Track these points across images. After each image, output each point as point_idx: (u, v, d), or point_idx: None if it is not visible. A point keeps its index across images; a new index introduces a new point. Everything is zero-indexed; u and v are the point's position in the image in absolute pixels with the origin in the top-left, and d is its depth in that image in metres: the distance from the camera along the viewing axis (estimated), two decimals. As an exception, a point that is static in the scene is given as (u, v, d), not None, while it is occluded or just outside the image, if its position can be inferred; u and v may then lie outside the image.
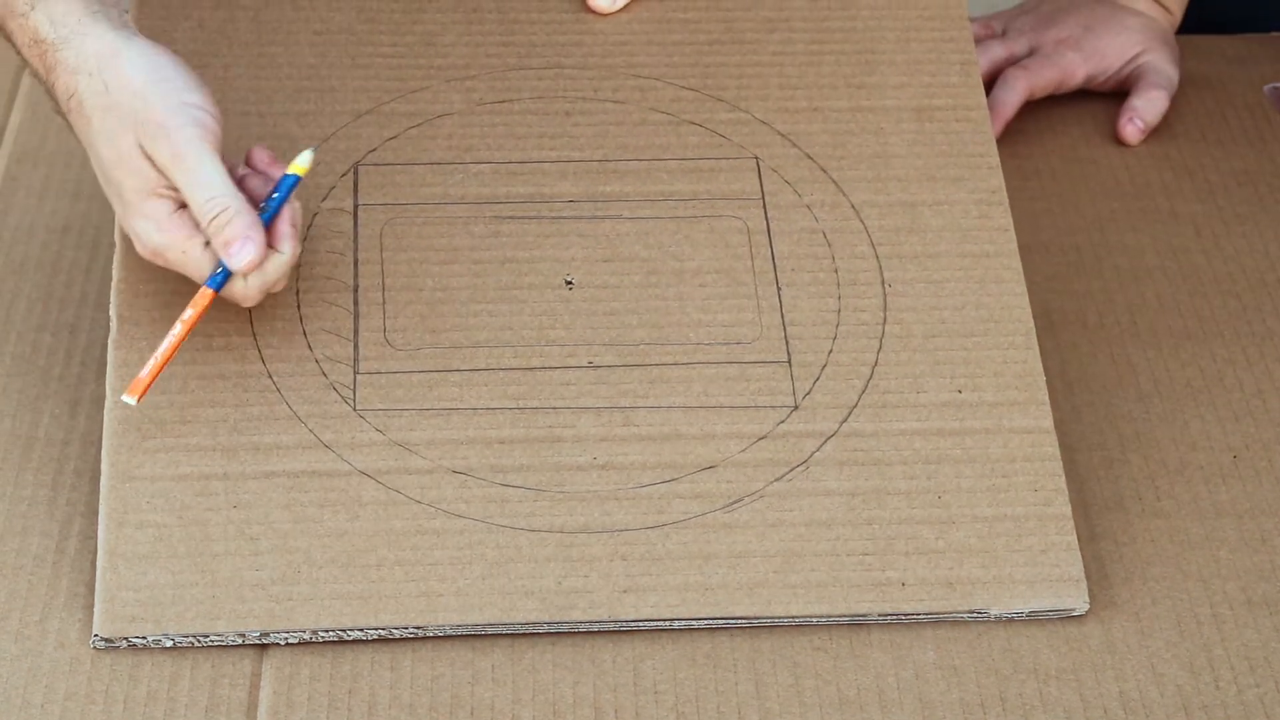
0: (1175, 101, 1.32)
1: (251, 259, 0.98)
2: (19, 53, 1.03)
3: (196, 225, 0.99)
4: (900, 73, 1.18)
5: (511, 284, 1.08)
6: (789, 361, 1.07)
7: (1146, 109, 1.29)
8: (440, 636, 0.99)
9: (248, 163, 1.04)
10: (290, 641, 0.98)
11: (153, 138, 0.98)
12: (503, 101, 1.15)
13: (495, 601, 0.99)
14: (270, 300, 1.06)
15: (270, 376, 1.04)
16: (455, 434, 1.03)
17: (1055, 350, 1.15)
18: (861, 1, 1.21)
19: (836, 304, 1.09)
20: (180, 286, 1.06)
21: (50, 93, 1.01)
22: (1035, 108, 1.31)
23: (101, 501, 1.00)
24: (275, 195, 1.01)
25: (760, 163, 1.14)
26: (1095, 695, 0.98)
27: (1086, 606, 1.01)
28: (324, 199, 1.10)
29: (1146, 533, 1.06)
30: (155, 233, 0.99)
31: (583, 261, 1.09)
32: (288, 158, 1.11)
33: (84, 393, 1.09)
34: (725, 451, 1.04)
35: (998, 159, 1.15)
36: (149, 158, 0.98)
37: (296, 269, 1.07)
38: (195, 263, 1.00)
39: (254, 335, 1.05)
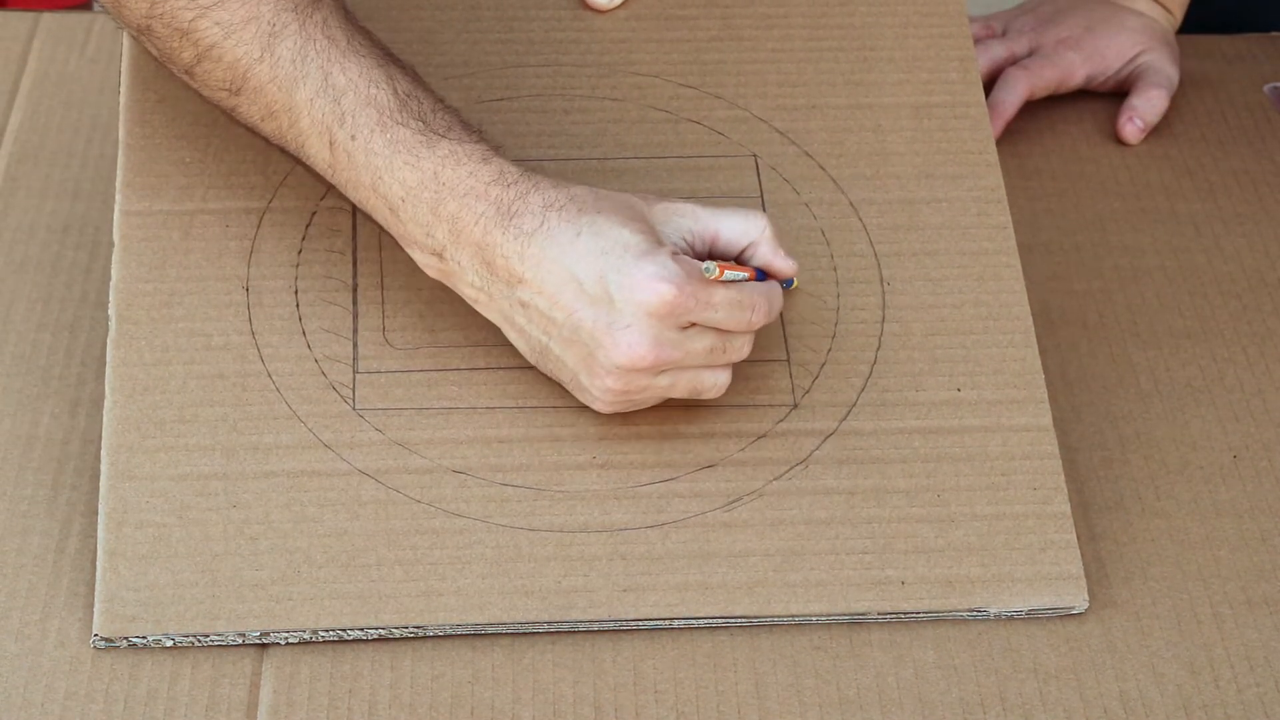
0: (1175, 101, 1.32)
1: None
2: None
3: None
4: (899, 70, 1.18)
5: None
6: (788, 360, 1.07)
7: (1146, 108, 1.30)
8: (440, 636, 0.99)
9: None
10: (290, 641, 0.99)
11: None
12: (501, 99, 1.16)
13: (495, 601, 0.99)
14: (269, 300, 1.07)
15: (270, 376, 1.05)
16: (454, 433, 1.04)
17: (1055, 349, 1.15)
18: None
19: (835, 302, 1.10)
20: (178, 286, 1.07)
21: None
22: (1035, 108, 1.32)
23: (101, 501, 1.01)
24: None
25: (759, 160, 1.15)
26: (1095, 695, 0.99)
27: (1086, 605, 1.02)
28: (323, 198, 1.11)
29: (1146, 533, 1.06)
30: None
31: None
32: (284, 156, 1.10)
33: (84, 392, 1.09)
34: (724, 450, 1.04)
35: (996, 156, 1.15)
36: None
37: (295, 267, 1.08)
38: None
39: (253, 335, 1.06)
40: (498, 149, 1.01)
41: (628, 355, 0.99)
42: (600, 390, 1.01)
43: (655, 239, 1.00)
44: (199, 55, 1.00)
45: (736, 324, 1.00)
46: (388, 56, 1.02)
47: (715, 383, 1.02)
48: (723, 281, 1.00)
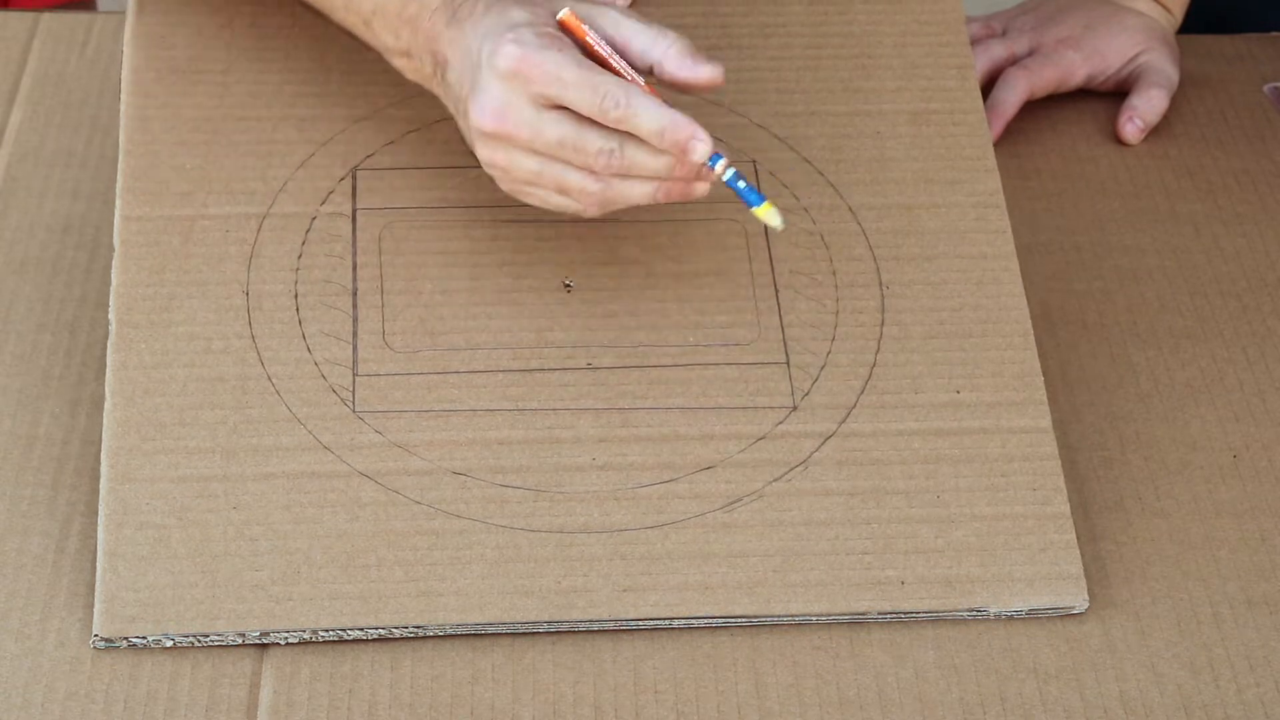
0: (1175, 101, 1.32)
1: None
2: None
3: None
4: (897, 77, 1.19)
5: (510, 287, 1.10)
6: (787, 363, 1.08)
7: (1146, 108, 1.30)
8: (440, 636, 1.00)
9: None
10: (290, 641, 0.99)
11: None
12: None
13: (495, 601, 1.00)
14: (269, 304, 1.08)
15: (270, 379, 1.06)
16: (454, 435, 1.05)
17: (1055, 350, 1.16)
18: (858, 6, 1.22)
19: (834, 306, 1.10)
20: (178, 290, 1.08)
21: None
22: (1035, 108, 1.32)
23: (101, 503, 1.02)
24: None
25: (758, 166, 1.16)
26: (1095, 695, 0.99)
27: (1086, 604, 1.03)
28: (322, 203, 1.12)
29: (1146, 533, 1.07)
30: None
31: (581, 264, 1.11)
32: (285, 161, 1.13)
33: (84, 393, 1.10)
34: (724, 452, 1.05)
35: (994, 162, 1.16)
36: None
37: (294, 272, 1.10)
38: None
39: (253, 338, 1.07)
40: None
41: (477, 117, 1.02)
42: (482, 164, 1.04)
43: (545, 22, 1.02)
44: None
45: (589, 108, 1.00)
46: None
47: (582, 187, 1.02)
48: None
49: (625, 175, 1.03)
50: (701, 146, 1.01)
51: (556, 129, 1.01)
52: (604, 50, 1.02)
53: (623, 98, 1.00)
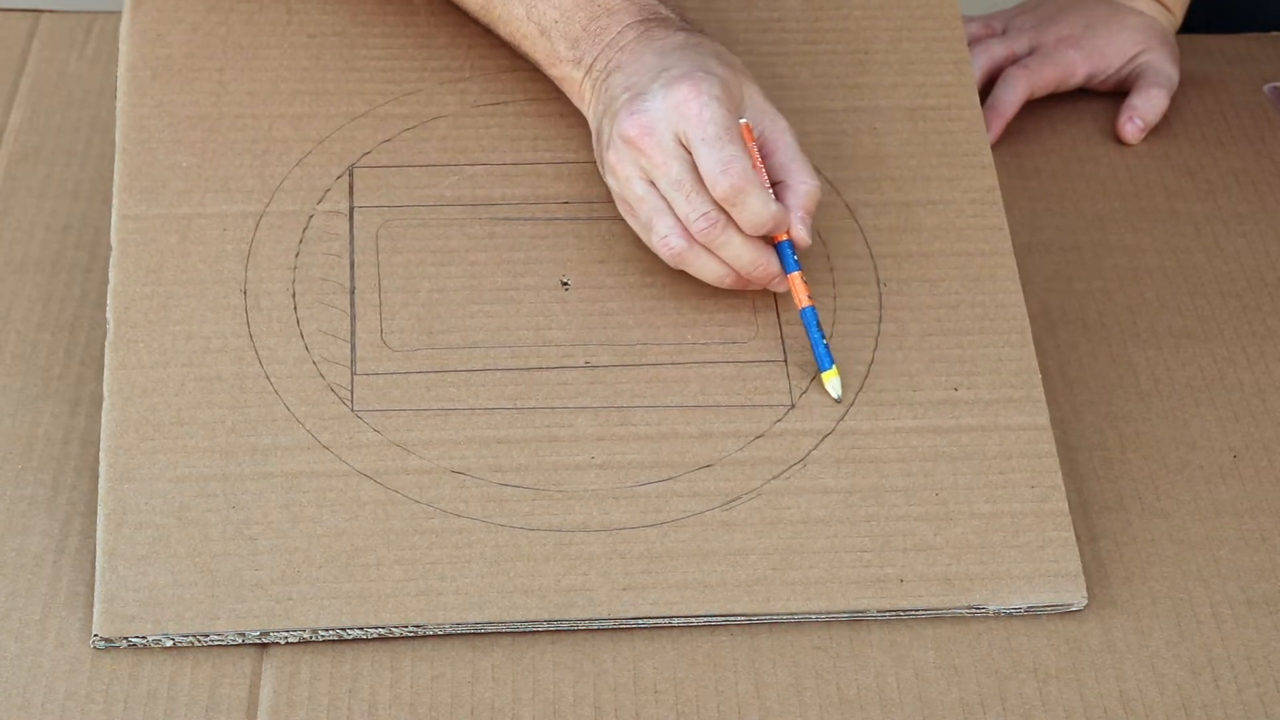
0: (1175, 101, 1.33)
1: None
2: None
3: None
4: (894, 73, 1.20)
5: (508, 285, 1.11)
6: (785, 361, 1.09)
7: (1146, 108, 1.31)
8: (440, 635, 1.01)
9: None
10: (290, 641, 1.00)
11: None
12: (497, 103, 1.17)
13: (495, 600, 1.01)
14: (267, 303, 1.09)
15: (268, 378, 1.07)
16: (453, 434, 1.06)
17: (1055, 349, 1.17)
18: (854, 2, 1.23)
19: (832, 303, 1.11)
20: (176, 290, 1.09)
21: None
22: (1035, 107, 1.33)
23: (100, 503, 1.03)
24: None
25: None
26: (1095, 695, 1.00)
27: (1085, 601, 1.04)
28: (320, 201, 1.13)
29: (1146, 533, 1.08)
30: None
31: (578, 262, 1.12)
32: (282, 159, 1.14)
33: (84, 392, 1.11)
34: (723, 450, 1.06)
35: (991, 159, 1.17)
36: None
37: (292, 270, 1.11)
38: None
39: (251, 337, 1.08)
40: None
41: (626, 121, 1.07)
42: (604, 168, 1.10)
43: (730, 93, 1.07)
44: None
45: (708, 166, 1.05)
46: None
47: (667, 236, 1.07)
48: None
49: (711, 249, 1.07)
50: (777, 283, 1.09)
51: (682, 168, 1.06)
52: (759, 161, 1.08)
53: (744, 181, 1.05)
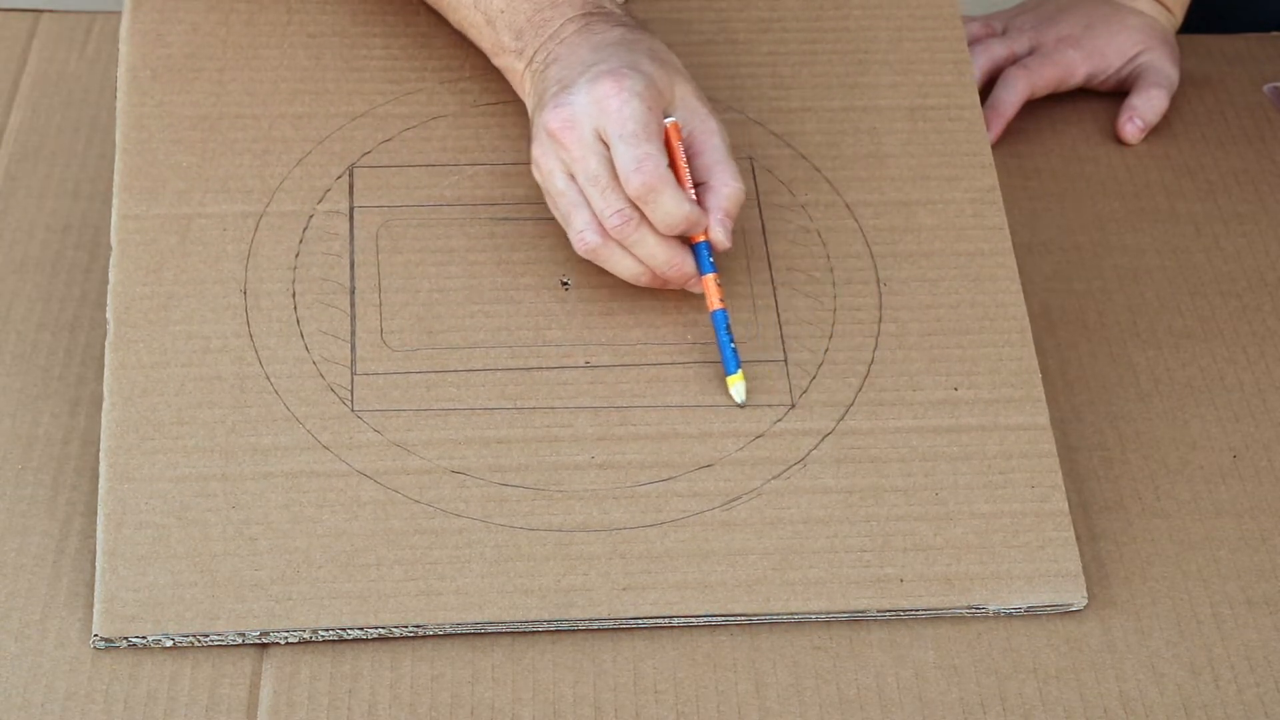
0: (1175, 101, 1.33)
1: None
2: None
3: None
4: (893, 72, 1.21)
5: (508, 285, 1.11)
6: (785, 360, 1.10)
7: (1146, 108, 1.31)
8: (440, 635, 1.01)
9: None
10: (290, 641, 1.01)
11: None
12: (497, 103, 1.18)
13: (495, 600, 1.01)
14: (267, 303, 1.09)
15: (268, 378, 1.07)
16: (453, 434, 1.06)
17: (1055, 349, 1.17)
18: (854, 1, 1.23)
19: (832, 303, 1.12)
20: (176, 290, 1.09)
21: None
22: (1035, 107, 1.33)
23: (100, 503, 1.03)
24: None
25: (754, 163, 1.17)
26: (1095, 695, 1.01)
27: (1085, 601, 1.04)
28: (319, 201, 1.13)
29: (1146, 533, 1.08)
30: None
31: (578, 262, 1.12)
32: (282, 159, 1.14)
33: (84, 392, 1.11)
34: (722, 450, 1.07)
35: (991, 158, 1.17)
36: None
37: (292, 270, 1.12)
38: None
39: (251, 337, 1.08)
40: None
41: (550, 114, 1.08)
42: (531, 161, 1.10)
43: (657, 91, 1.07)
44: None
45: (623, 164, 1.06)
46: None
47: (582, 231, 1.08)
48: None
49: (625, 246, 1.07)
50: (693, 284, 1.09)
51: (599, 164, 1.06)
52: (682, 160, 1.08)
53: (656, 179, 1.05)
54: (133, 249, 1.11)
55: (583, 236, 1.08)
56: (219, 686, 1.00)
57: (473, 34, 1.16)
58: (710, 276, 1.09)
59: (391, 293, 1.11)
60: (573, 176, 1.08)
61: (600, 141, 1.07)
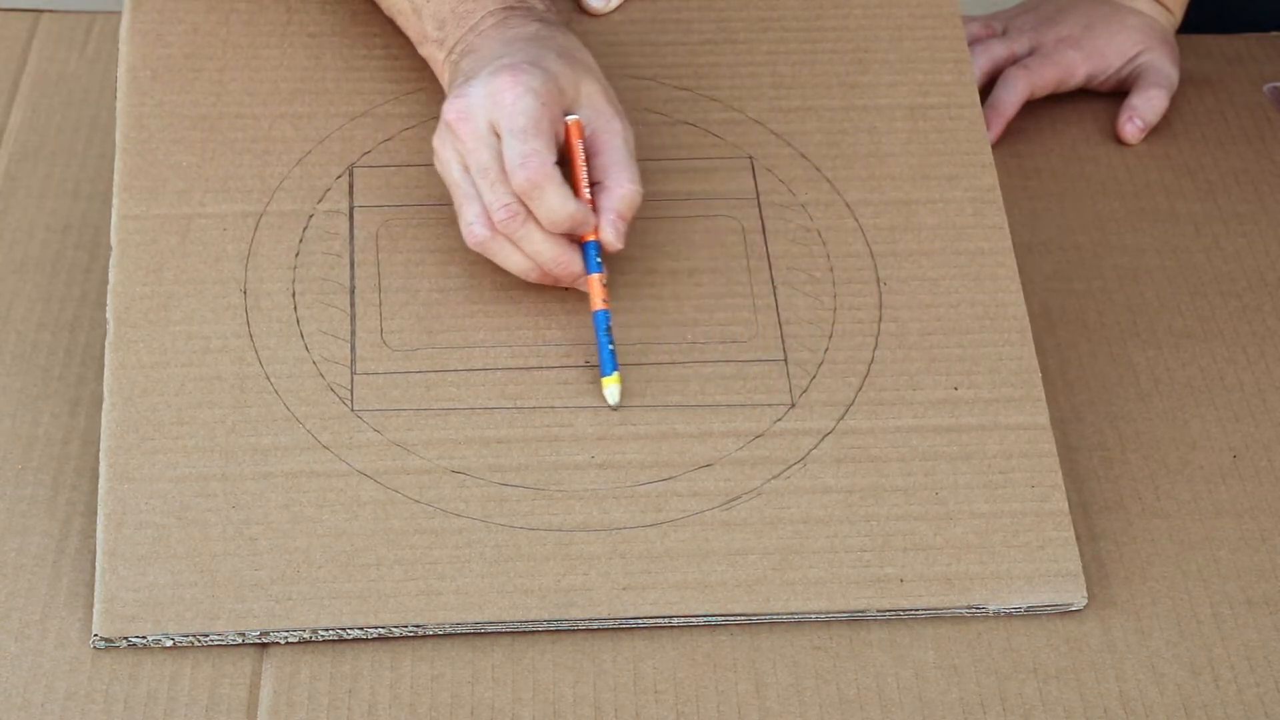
0: (1175, 101, 1.34)
1: None
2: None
3: None
4: (893, 71, 1.21)
5: (507, 284, 1.11)
6: (785, 360, 1.10)
7: (1146, 108, 1.32)
8: (440, 635, 1.01)
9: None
10: (290, 641, 1.01)
11: None
12: None
13: (495, 599, 1.02)
14: (267, 302, 1.10)
15: (268, 378, 1.07)
16: (453, 433, 1.06)
17: (1055, 349, 1.17)
18: (854, 1, 1.23)
19: (832, 302, 1.12)
20: (176, 289, 1.10)
21: None
22: (1035, 107, 1.33)
23: (100, 503, 1.03)
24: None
25: (754, 162, 1.17)
26: (1095, 695, 1.01)
27: (1084, 601, 1.04)
28: (319, 201, 1.14)
29: (1146, 533, 1.08)
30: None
31: None
32: (282, 159, 1.14)
33: (84, 392, 1.11)
34: (722, 450, 1.07)
35: (991, 157, 1.18)
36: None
37: (292, 270, 1.12)
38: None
39: (251, 337, 1.09)
40: None
41: (448, 105, 1.09)
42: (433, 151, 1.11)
43: (557, 89, 1.08)
44: None
45: (509, 158, 1.06)
46: None
47: (471, 224, 1.08)
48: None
49: (512, 240, 1.08)
50: (581, 283, 1.09)
51: (490, 157, 1.07)
52: (580, 159, 1.08)
53: (540, 176, 1.06)
54: (133, 249, 1.11)
55: (472, 229, 1.08)
56: (219, 686, 1.00)
57: (400, 21, 1.17)
58: (595, 276, 1.09)
59: (391, 292, 1.11)
60: (467, 168, 1.08)
61: (494, 134, 1.07)
